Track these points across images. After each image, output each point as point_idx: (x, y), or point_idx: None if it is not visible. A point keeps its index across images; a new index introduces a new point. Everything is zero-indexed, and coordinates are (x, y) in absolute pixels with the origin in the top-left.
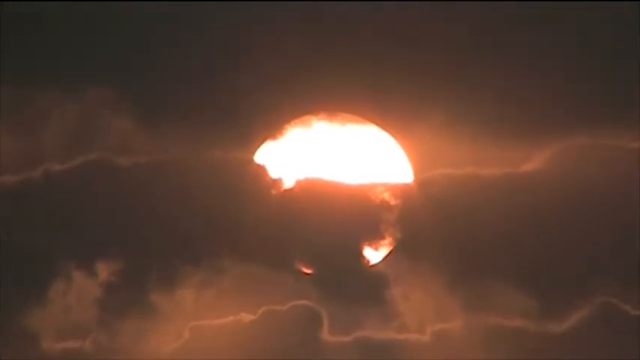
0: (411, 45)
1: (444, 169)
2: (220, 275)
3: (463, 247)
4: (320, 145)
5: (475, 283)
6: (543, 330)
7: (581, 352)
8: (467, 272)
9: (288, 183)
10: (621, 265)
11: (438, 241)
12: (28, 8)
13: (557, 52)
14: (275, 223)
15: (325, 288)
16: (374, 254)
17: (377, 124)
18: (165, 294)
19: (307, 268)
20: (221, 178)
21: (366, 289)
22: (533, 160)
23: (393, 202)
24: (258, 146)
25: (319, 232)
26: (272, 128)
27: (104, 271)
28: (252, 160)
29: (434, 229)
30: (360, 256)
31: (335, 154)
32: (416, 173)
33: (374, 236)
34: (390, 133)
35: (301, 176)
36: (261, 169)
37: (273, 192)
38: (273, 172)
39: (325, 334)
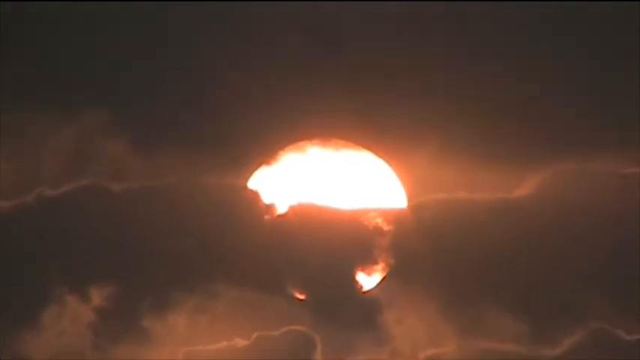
0: (404, 71)
1: (437, 195)
2: (214, 300)
3: (456, 271)
4: (314, 171)
5: (468, 308)
6: (536, 355)
7: None
8: (459, 297)
9: (282, 208)
10: (614, 290)
11: (431, 266)
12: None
13: (547, 80)
14: (268, 248)
15: (318, 313)
16: (367, 279)
17: (370, 149)
18: (158, 319)
19: (300, 293)
20: (215, 203)
21: (359, 314)
22: (524, 185)
23: (386, 227)
24: (252, 172)
25: (312, 257)
26: (266, 154)
27: (97, 296)
28: (245, 185)
29: (427, 254)
30: (353, 281)
31: (329, 179)
32: (409, 199)
33: (367, 261)
34: (383, 158)
35: (295, 201)
36: (254, 194)
37: (267, 217)
38: (267, 198)
39: (319, 359)
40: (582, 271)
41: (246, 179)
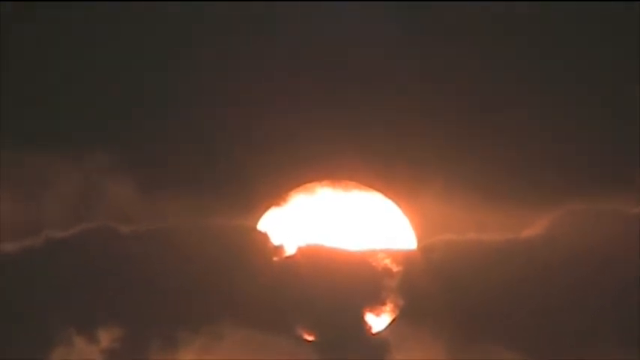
0: (413, 114)
1: (447, 235)
2: (221, 341)
3: (464, 311)
4: (323, 212)
5: (476, 348)
6: None
7: None
8: (468, 337)
9: (291, 250)
10: (622, 328)
11: (440, 307)
12: (26, 69)
13: (558, 121)
14: (277, 289)
15: (327, 354)
16: (376, 321)
17: (380, 191)
18: None
19: (309, 334)
20: (223, 244)
21: (367, 355)
22: (533, 225)
23: (395, 268)
24: (261, 213)
25: (321, 298)
26: (275, 195)
27: (105, 337)
28: (254, 227)
29: (436, 294)
30: (362, 322)
31: (338, 220)
32: (418, 239)
33: (376, 302)
34: (392, 199)
35: (303, 243)
36: (263, 236)
37: (276, 259)
38: (276, 239)
39: None
40: (592, 310)
41: (256, 220)
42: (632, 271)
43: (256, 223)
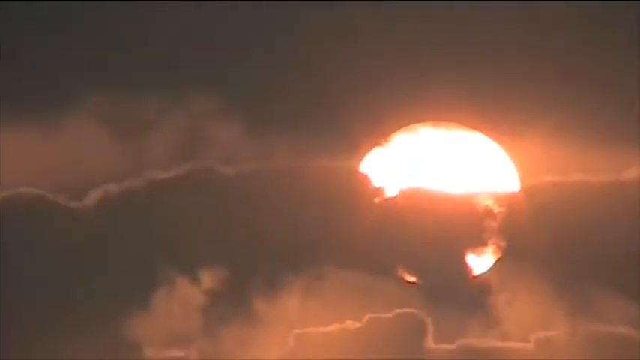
0: (519, 53)
1: (549, 177)
2: (323, 282)
3: (567, 253)
4: (425, 154)
5: (579, 290)
6: None
7: None
8: (571, 279)
9: (392, 192)
10: None
11: (542, 248)
12: (135, 17)
13: None
14: (378, 231)
15: (429, 295)
16: (478, 262)
17: (484, 132)
18: (269, 301)
19: (411, 275)
20: (325, 186)
21: (469, 297)
22: (635, 166)
23: (496, 209)
24: (364, 155)
25: (422, 240)
26: (378, 137)
27: (207, 278)
28: (356, 169)
29: (538, 236)
30: (464, 264)
31: (440, 162)
32: (521, 181)
33: (478, 244)
34: (495, 141)
35: (405, 185)
36: (365, 177)
37: (377, 201)
38: (378, 181)
39: (430, 342)
40: None
41: (358, 162)
42: None
43: (359, 165)
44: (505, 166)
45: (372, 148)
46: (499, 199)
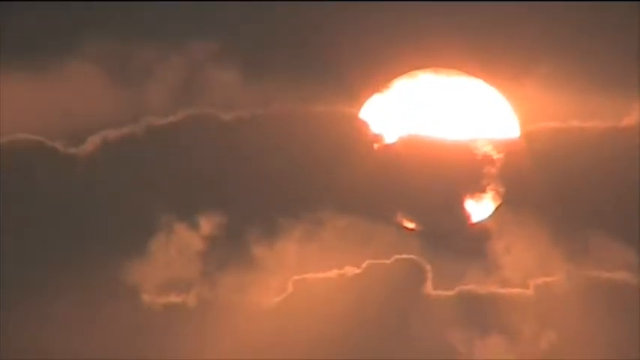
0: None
1: (548, 123)
2: (322, 228)
3: (566, 200)
4: (425, 99)
5: (578, 236)
6: None
7: None
8: (569, 225)
9: (391, 138)
10: None
11: (541, 194)
12: None
13: None
14: (378, 177)
15: (428, 242)
16: (477, 208)
17: (482, 78)
18: (267, 247)
19: (409, 222)
20: (324, 132)
21: (468, 243)
22: (634, 113)
23: (495, 156)
24: (363, 101)
25: (422, 186)
26: (378, 83)
27: (206, 224)
28: (356, 114)
29: (537, 182)
30: (463, 210)
31: (440, 107)
32: (521, 127)
33: (477, 190)
34: (495, 86)
35: (405, 131)
36: (364, 123)
37: (376, 146)
38: (377, 127)
39: (429, 288)
40: None
41: (357, 108)
42: None
43: (358, 111)
44: (504, 112)
45: (371, 94)
46: (498, 145)
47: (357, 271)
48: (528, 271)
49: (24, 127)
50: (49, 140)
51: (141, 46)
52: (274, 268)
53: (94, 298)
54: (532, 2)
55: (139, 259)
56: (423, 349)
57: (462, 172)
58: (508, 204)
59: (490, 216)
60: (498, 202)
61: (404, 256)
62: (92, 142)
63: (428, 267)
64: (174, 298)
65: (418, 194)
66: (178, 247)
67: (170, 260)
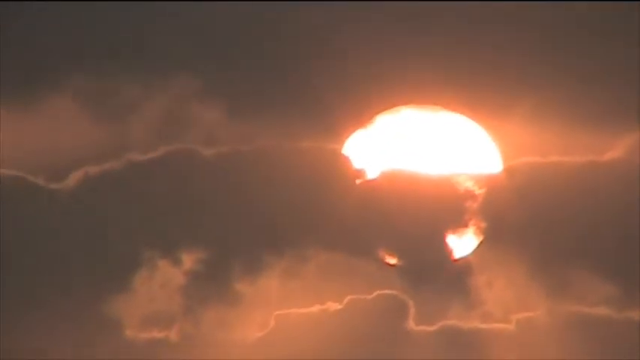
0: (496, 36)
1: (529, 158)
2: (305, 264)
3: (547, 234)
4: (408, 135)
5: (558, 271)
6: (627, 318)
7: None
8: (550, 260)
9: (374, 173)
10: None
11: (522, 229)
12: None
13: None
14: (360, 213)
15: (409, 277)
16: (460, 246)
17: (464, 113)
18: (250, 282)
19: (391, 258)
20: (306, 168)
21: (450, 279)
22: (616, 148)
23: (477, 191)
24: (346, 137)
25: (404, 221)
26: (360, 119)
27: (188, 259)
28: (338, 150)
29: (518, 217)
30: (444, 245)
31: (422, 143)
32: (503, 161)
33: (458, 225)
34: (477, 122)
35: (386, 167)
36: (346, 159)
37: (358, 182)
38: (359, 163)
39: (411, 324)
40: None
41: (339, 144)
42: None
43: (341, 147)
44: (486, 147)
45: (354, 130)
46: (480, 180)
47: (339, 306)
48: (510, 306)
49: (6, 163)
50: (31, 176)
51: (123, 82)
52: (257, 304)
53: (76, 334)
54: (514, 38)
55: (121, 294)
56: None
57: (444, 207)
58: (490, 239)
59: (472, 251)
60: (480, 238)
61: (386, 291)
62: (74, 178)
63: (410, 302)
64: (157, 334)
65: (400, 229)
66: (161, 282)
67: (153, 296)
